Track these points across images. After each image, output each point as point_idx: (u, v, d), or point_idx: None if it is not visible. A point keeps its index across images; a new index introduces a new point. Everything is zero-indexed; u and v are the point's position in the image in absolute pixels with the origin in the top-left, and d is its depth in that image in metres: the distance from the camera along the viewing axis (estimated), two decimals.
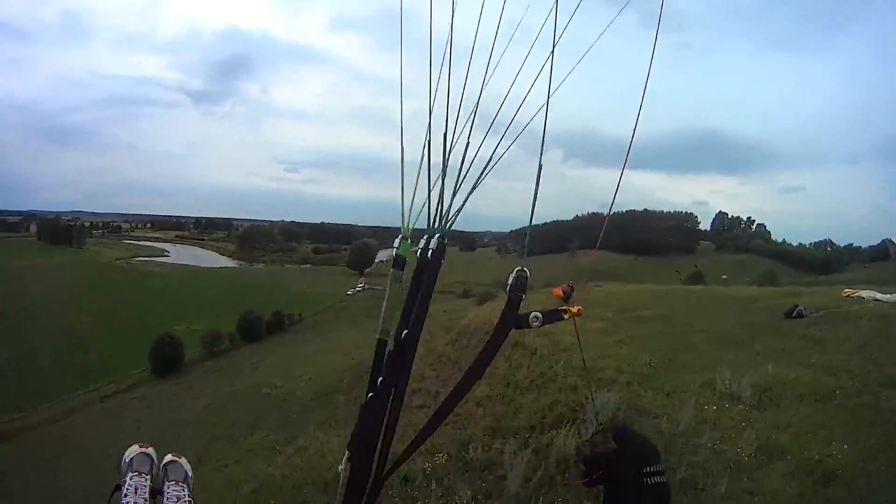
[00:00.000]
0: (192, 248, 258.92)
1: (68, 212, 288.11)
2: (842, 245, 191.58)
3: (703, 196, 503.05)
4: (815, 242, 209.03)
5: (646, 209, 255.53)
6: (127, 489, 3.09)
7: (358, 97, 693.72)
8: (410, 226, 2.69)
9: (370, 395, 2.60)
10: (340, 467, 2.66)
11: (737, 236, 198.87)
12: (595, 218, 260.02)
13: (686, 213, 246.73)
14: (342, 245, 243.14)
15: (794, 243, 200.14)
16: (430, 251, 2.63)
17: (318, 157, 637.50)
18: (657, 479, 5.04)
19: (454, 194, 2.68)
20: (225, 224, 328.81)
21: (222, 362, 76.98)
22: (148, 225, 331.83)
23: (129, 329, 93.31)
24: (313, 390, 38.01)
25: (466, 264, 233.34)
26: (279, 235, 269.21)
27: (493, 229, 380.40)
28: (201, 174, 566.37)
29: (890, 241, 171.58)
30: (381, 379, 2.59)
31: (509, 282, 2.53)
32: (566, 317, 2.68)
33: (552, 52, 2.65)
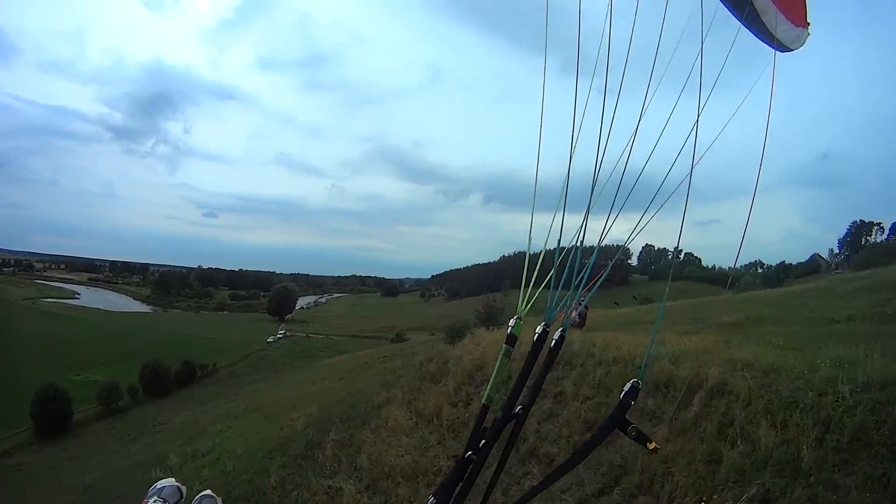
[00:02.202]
0: (105, 292, 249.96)
1: None
2: (774, 263, 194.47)
3: (620, 234, 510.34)
4: (744, 265, 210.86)
5: (574, 245, 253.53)
6: None
7: (281, 141, 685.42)
8: (526, 311, 2.92)
9: (468, 453, 2.76)
10: None
11: (667, 266, 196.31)
12: (520, 257, 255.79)
13: (617, 245, 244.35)
14: (261, 292, 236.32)
15: (725, 267, 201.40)
16: (554, 341, 2.86)
17: (238, 202, 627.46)
18: None
19: (578, 287, 2.98)
20: (141, 268, 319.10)
21: (120, 422, 67.03)
22: (62, 266, 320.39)
23: (18, 377, 79.60)
24: (224, 480, 25.32)
25: (392, 309, 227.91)
26: (196, 281, 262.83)
27: (414, 275, 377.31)
28: (118, 215, 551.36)
29: (819, 255, 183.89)
30: (483, 441, 2.76)
31: (625, 388, 2.65)
32: (648, 446, 2.66)
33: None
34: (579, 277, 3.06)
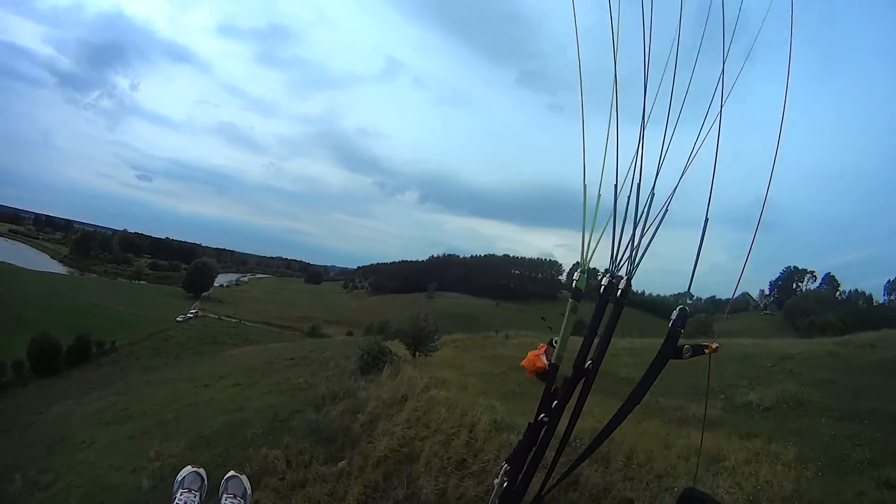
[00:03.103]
0: (24, 247, 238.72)
1: None
2: (704, 297, 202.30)
3: (549, 248, 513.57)
4: (673, 294, 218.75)
5: (506, 255, 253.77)
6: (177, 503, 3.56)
7: (226, 111, 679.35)
8: (588, 263, 2.84)
9: (542, 415, 2.75)
10: (496, 480, 2.79)
11: (596, 287, 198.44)
12: (450, 260, 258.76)
13: (549, 260, 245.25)
14: (182, 264, 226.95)
15: (654, 294, 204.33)
16: (619, 290, 2.75)
17: (174, 168, 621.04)
18: None
19: (641, 234, 2.81)
20: (66, 225, 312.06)
21: None
22: None
23: None
24: None
25: (312, 298, 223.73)
26: (117, 245, 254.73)
27: (340, 264, 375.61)
28: (52, 166, 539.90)
29: (749, 294, 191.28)
30: (556, 402, 2.74)
31: (672, 317, 2.63)
32: (706, 351, 2.71)
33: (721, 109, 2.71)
34: (644, 215, 2.79)
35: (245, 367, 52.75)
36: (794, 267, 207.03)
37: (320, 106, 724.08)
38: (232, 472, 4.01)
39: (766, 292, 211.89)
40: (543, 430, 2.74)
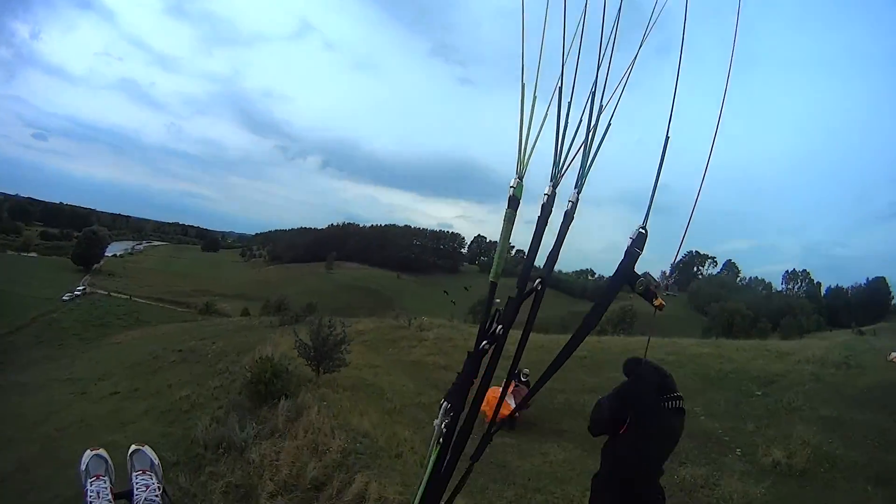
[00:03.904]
0: None
1: None
2: (603, 275, 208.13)
3: (449, 219, 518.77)
4: (577, 271, 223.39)
5: (407, 225, 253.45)
6: (90, 495, 3.51)
7: (129, 65, 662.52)
8: (526, 167, 2.49)
9: (483, 343, 2.40)
10: (437, 420, 2.41)
11: (510, 261, 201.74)
12: (350, 229, 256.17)
13: (450, 232, 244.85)
14: (75, 231, 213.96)
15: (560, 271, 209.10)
16: (569, 203, 2.44)
17: (72, 126, 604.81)
18: (678, 402, 2.99)
19: (587, 142, 2.51)
20: None
21: None
22: None
23: None
24: None
25: (208, 268, 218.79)
26: (6, 213, 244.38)
27: (238, 230, 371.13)
28: None
29: (650, 275, 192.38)
30: (500, 327, 2.39)
31: (631, 236, 2.37)
32: (654, 303, 2.48)
33: None
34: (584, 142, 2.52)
35: (129, 361, 50.40)
36: (696, 252, 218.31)
37: (226, 64, 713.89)
38: (134, 446, 4.03)
39: (668, 273, 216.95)
40: (486, 358, 2.38)
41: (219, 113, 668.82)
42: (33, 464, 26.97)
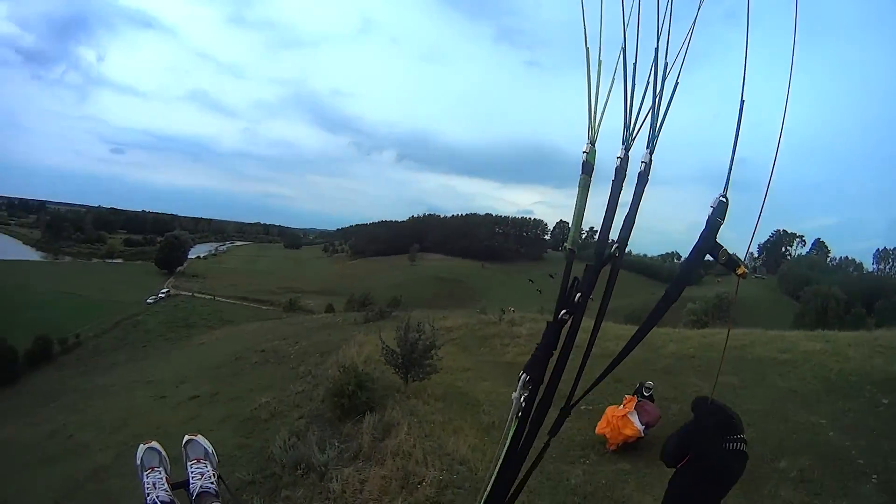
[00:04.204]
0: None
1: None
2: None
3: (528, 205, 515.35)
4: (662, 254, 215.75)
5: (489, 214, 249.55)
6: (147, 488, 3.52)
7: (197, 77, 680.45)
8: (597, 132, 2.46)
9: (562, 311, 2.37)
10: (515, 393, 2.44)
11: (584, 246, 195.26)
12: (431, 220, 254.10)
13: (534, 219, 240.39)
14: (158, 237, 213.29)
15: (638, 252, 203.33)
16: (642, 164, 2.41)
17: (147, 139, 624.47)
18: (739, 445, 4.20)
19: (656, 101, 2.46)
20: (40, 207, 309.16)
21: None
22: None
23: None
24: None
25: (291, 264, 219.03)
26: (90, 224, 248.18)
27: (319, 226, 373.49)
28: (20, 148, 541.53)
29: (736, 255, 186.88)
30: (578, 295, 2.38)
31: (712, 205, 2.36)
32: (738, 272, 2.48)
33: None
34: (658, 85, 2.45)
35: (211, 362, 49.47)
36: (784, 231, 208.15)
37: (293, 67, 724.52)
38: (188, 436, 4.01)
39: (755, 255, 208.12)
40: (565, 329, 2.36)
41: (291, 114, 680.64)
42: (106, 473, 26.14)
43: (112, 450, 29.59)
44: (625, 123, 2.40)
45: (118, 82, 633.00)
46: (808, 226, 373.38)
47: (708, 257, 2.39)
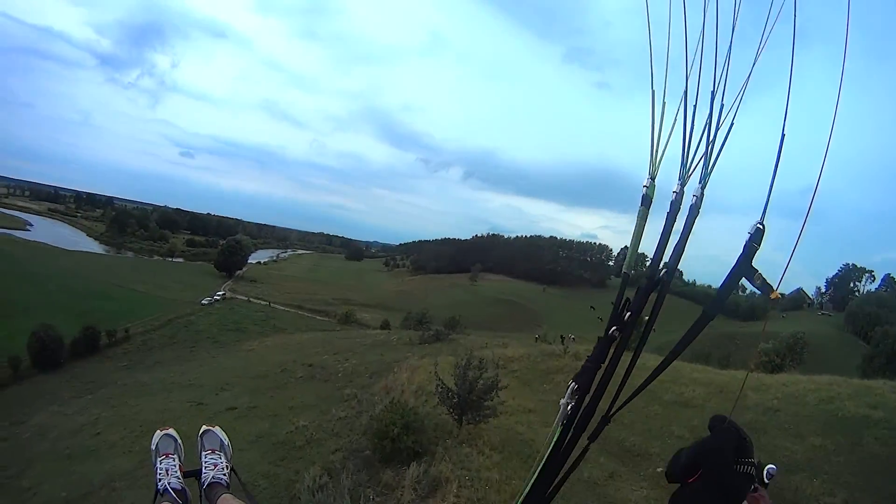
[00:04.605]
0: (62, 226, 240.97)
1: None
2: (757, 291, 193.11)
3: (592, 229, 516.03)
4: (718, 287, 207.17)
5: (553, 236, 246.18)
6: (160, 474, 3.46)
7: (268, 87, 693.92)
8: (658, 168, 2.76)
9: (612, 329, 2.66)
10: (563, 400, 2.68)
11: (639, 273, 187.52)
12: (494, 240, 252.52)
13: (598, 244, 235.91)
14: (220, 240, 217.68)
15: (702, 283, 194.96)
16: (694, 198, 2.65)
17: (217, 145, 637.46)
18: (750, 469, 3.65)
19: (709, 144, 2.71)
20: (107, 202, 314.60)
21: None
22: (26, 193, 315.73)
23: None
24: None
25: (351, 276, 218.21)
26: (154, 222, 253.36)
27: (382, 240, 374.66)
28: (93, 146, 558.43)
29: (803, 291, 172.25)
30: (628, 314, 2.65)
31: (749, 231, 2.55)
32: (771, 295, 2.61)
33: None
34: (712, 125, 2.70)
35: (257, 371, 48.02)
36: (852, 265, 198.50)
37: (362, 81, 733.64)
38: (205, 427, 3.93)
39: (822, 290, 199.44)
40: (614, 345, 2.65)
41: (360, 128, 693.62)
42: (122, 481, 26.14)
43: (135, 455, 29.27)
44: (682, 162, 2.61)
45: (190, 88, 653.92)
46: (879, 259, 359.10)
47: (744, 280, 2.50)
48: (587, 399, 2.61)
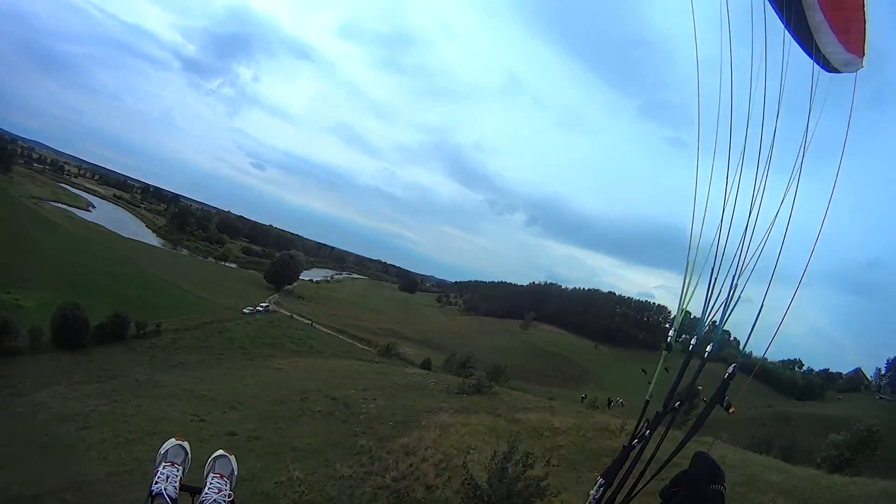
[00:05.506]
0: (123, 212, 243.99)
1: (22, 137, 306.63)
2: (814, 368, 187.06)
3: (649, 288, 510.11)
4: (783, 360, 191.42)
5: (611, 292, 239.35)
6: (158, 477, 3.44)
7: (344, 111, 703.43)
8: (679, 323, 3.62)
9: (635, 440, 3.45)
10: (592, 491, 3.33)
11: (706, 341, 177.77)
12: (551, 289, 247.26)
13: (657, 304, 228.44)
14: (276, 252, 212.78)
15: (757, 355, 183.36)
16: (707, 352, 3.48)
17: (288, 160, 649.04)
18: (721, 488, 3.85)
19: (731, 291, 3.42)
20: (173, 198, 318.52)
21: None
22: (96, 177, 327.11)
23: None
24: None
25: (401, 307, 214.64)
26: (214, 225, 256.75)
27: (438, 275, 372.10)
28: (170, 144, 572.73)
29: (862, 371, 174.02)
30: (647, 431, 3.42)
31: (729, 370, 3.33)
32: (729, 411, 3.36)
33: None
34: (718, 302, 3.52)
35: (275, 395, 45.48)
36: None
37: (438, 116, 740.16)
38: (220, 451, 3.92)
39: (883, 372, 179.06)
40: (634, 453, 3.37)
41: (430, 162, 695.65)
42: (78, 490, 24.32)
43: (107, 465, 27.19)
44: (702, 319, 3.26)
45: (269, 103, 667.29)
46: None
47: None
48: (609, 492, 3.28)
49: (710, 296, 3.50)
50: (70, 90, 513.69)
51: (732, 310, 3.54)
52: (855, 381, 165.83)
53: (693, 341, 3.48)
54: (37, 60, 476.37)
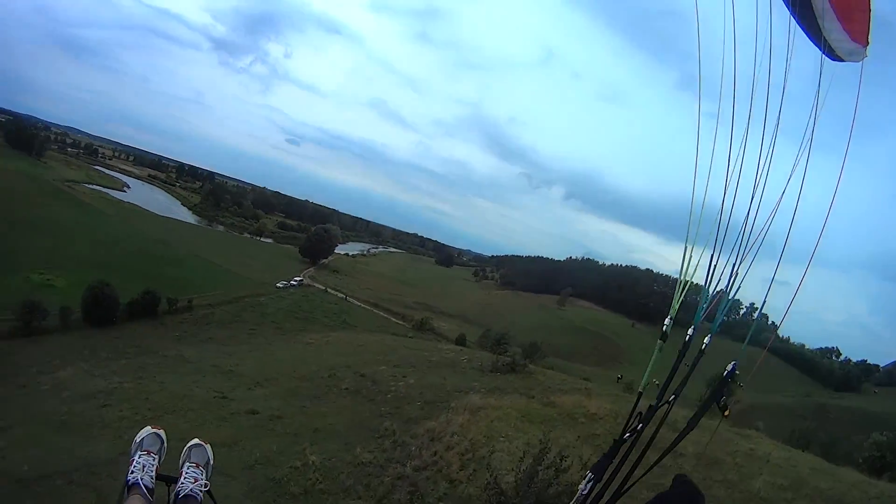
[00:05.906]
0: (158, 191, 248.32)
1: (55, 123, 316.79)
2: (852, 358, 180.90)
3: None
4: (820, 348, 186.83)
5: (649, 269, 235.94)
6: (134, 466, 3.46)
7: (378, 86, 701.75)
8: (675, 311, 3.66)
9: (626, 434, 3.37)
10: (581, 486, 3.30)
11: (741, 323, 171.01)
12: (588, 264, 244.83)
13: (697, 284, 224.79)
14: (312, 227, 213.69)
15: (795, 342, 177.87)
16: (704, 345, 3.52)
17: (322, 136, 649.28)
18: None
19: (727, 292, 3.69)
20: (208, 176, 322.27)
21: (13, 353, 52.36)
22: (130, 158, 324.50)
23: None
24: None
25: (437, 281, 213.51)
26: (249, 201, 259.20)
27: (475, 249, 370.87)
28: (202, 123, 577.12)
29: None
30: (640, 425, 3.36)
31: (728, 369, 3.36)
32: (725, 414, 3.39)
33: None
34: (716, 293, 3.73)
35: (304, 370, 44.73)
36: None
37: (473, 89, 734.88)
38: (196, 441, 3.95)
39: None
40: (624, 446, 3.33)
41: (466, 136, 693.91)
42: (88, 470, 23.59)
43: (122, 445, 23.42)
44: (698, 313, 3.42)
45: (302, 79, 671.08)
46: None
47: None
48: (598, 487, 3.26)
49: (732, 281, 3.84)
50: (99, 74, 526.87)
51: (737, 291, 3.90)
52: (893, 375, 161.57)
53: (690, 332, 3.55)
54: (61, 46, 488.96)
